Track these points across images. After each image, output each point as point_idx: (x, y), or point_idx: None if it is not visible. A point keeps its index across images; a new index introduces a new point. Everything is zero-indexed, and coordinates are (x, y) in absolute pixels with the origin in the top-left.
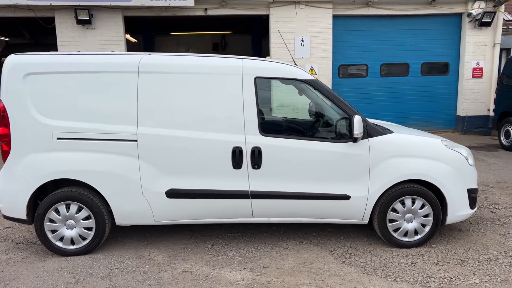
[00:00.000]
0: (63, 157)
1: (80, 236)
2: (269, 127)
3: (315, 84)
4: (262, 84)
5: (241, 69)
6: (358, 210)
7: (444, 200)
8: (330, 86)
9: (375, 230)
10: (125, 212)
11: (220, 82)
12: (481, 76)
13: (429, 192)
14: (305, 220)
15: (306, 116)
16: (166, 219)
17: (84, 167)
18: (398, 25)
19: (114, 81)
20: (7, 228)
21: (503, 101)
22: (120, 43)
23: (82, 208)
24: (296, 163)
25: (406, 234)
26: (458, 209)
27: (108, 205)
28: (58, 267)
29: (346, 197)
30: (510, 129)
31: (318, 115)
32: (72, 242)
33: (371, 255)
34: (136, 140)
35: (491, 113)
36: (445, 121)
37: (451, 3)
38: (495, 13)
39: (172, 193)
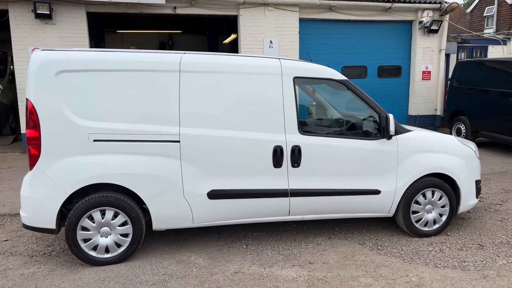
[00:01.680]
0: (101, 160)
1: (116, 243)
2: (306, 125)
3: (348, 84)
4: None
5: (280, 69)
6: (387, 203)
7: (458, 191)
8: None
9: (397, 221)
10: (165, 216)
11: (261, 81)
12: (429, 79)
13: (446, 184)
14: (336, 216)
15: (338, 115)
16: (206, 221)
17: (123, 171)
18: (358, 30)
19: (154, 80)
20: (5, 241)
21: (453, 101)
22: (83, 40)
23: (118, 213)
24: (332, 161)
25: (426, 224)
26: (468, 199)
27: (143, 210)
28: (98, 278)
29: (377, 192)
30: (461, 126)
31: (350, 114)
32: (107, 250)
33: (400, 245)
34: (178, 141)
35: (438, 113)
36: (399, 120)
37: (404, 11)
38: (442, 21)
39: (214, 194)
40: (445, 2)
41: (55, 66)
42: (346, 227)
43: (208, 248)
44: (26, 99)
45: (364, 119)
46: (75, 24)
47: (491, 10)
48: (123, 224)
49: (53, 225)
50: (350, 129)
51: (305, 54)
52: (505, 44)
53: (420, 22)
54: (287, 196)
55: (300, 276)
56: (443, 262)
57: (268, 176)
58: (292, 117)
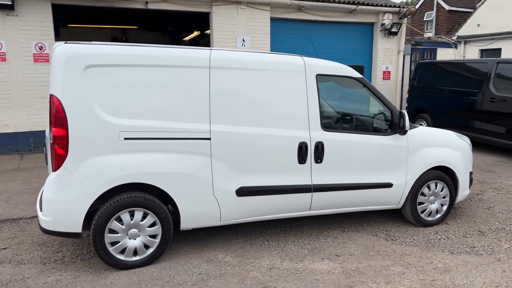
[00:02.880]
0: (132, 159)
1: (144, 245)
2: (327, 122)
3: (364, 82)
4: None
5: (304, 66)
6: (397, 196)
7: (457, 182)
8: None
9: (404, 212)
10: (194, 215)
11: (286, 79)
12: (389, 79)
13: (447, 176)
14: (351, 209)
15: (356, 111)
16: (232, 218)
17: (154, 169)
18: (326, 30)
19: (185, 76)
20: (4, 249)
21: (415, 100)
22: (48, 34)
23: (147, 214)
24: (351, 156)
25: (430, 214)
26: (464, 189)
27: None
28: (132, 282)
29: (389, 185)
30: (423, 123)
31: (365, 110)
32: (135, 253)
33: (410, 235)
34: (209, 138)
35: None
36: None
37: (367, 14)
38: (401, 24)
39: (242, 191)
40: (403, 7)
41: (84, 60)
42: (354, 220)
43: (230, 246)
44: (51, 95)
45: (378, 116)
46: (39, 16)
47: (431, 15)
48: (152, 225)
49: (79, 229)
50: (366, 125)
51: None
52: (456, 47)
53: (382, 24)
54: (310, 192)
55: (334, 269)
56: (456, 248)
57: (293, 172)
58: (316, 114)
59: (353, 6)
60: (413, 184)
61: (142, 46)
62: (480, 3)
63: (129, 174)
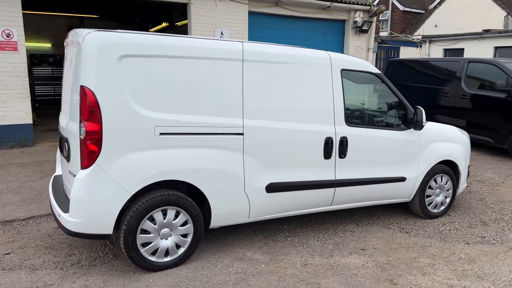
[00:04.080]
0: (167, 155)
1: (176, 245)
2: (350, 117)
3: (382, 78)
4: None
5: (330, 61)
6: (409, 189)
7: (459, 176)
8: None
9: (411, 205)
10: (225, 212)
11: (314, 73)
12: None
13: (451, 170)
14: (367, 204)
15: (375, 106)
16: (260, 215)
17: (188, 166)
18: (301, 26)
19: (219, 69)
20: (7, 254)
21: None
22: (17, 20)
23: (180, 213)
24: (371, 151)
25: (435, 206)
26: (463, 182)
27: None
28: (169, 284)
29: (403, 179)
30: None
31: (383, 106)
32: (167, 253)
33: (421, 227)
34: (242, 134)
35: None
36: None
37: (340, 11)
38: (371, 22)
39: (272, 187)
40: (374, 5)
41: (119, 49)
42: (363, 214)
43: (253, 243)
44: (82, 87)
45: (395, 111)
46: (7, 1)
47: (386, 15)
48: (183, 224)
49: (110, 230)
50: (384, 120)
51: None
52: (420, 46)
53: (355, 22)
54: (333, 187)
55: (366, 262)
56: (468, 239)
57: (319, 168)
58: (340, 109)
59: (328, 3)
60: (423, 178)
61: (178, 37)
62: (432, 5)
63: (164, 171)
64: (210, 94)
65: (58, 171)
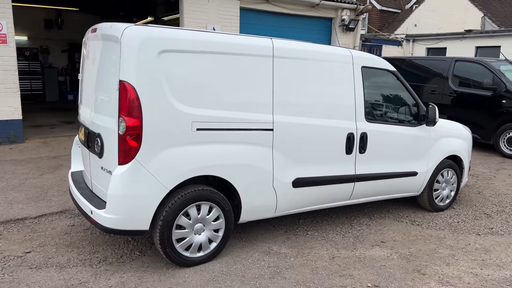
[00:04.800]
0: (203, 150)
1: (209, 240)
2: (369, 113)
3: (397, 75)
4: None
5: (351, 58)
6: (419, 183)
7: (463, 170)
8: None
9: (419, 199)
10: (254, 207)
11: (337, 69)
12: None
13: (455, 164)
14: (380, 198)
15: (390, 103)
16: (286, 210)
17: (222, 161)
18: (291, 23)
19: (251, 65)
20: (28, 253)
21: None
22: (6, 12)
23: (212, 208)
24: (388, 146)
25: (441, 200)
26: (466, 176)
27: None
28: (206, 279)
29: (415, 174)
30: None
31: (398, 102)
32: (199, 248)
33: (431, 220)
34: (272, 129)
35: None
36: None
37: (328, 9)
38: (358, 21)
39: (298, 182)
40: (360, 4)
41: (158, 44)
42: (373, 208)
43: (276, 238)
44: (121, 81)
45: (409, 107)
46: None
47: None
48: (216, 219)
49: (147, 226)
50: (400, 117)
51: None
52: (401, 45)
53: (343, 20)
54: (353, 181)
55: (391, 254)
56: (477, 230)
57: (341, 163)
58: (361, 105)
59: (317, 1)
60: (432, 173)
61: (214, 32)
62: (409, 5)
63: (200, 166)
64: (243, 90)
65: (75, 168)
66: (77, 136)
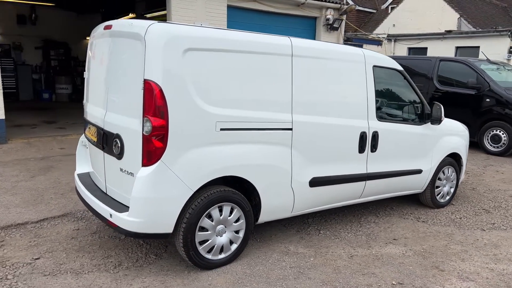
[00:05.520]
0: (226, 151)
1: (230, 241)
2: (379, 112)
3: (404, 74)
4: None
5: (364, 57)
6: (423, 181)
7: (461, 167)
8: None
9: (422, 196)
10: (273, 207)
11: (351, 69)
12: None
13: (455, 162)
14: (387, 195)
15: (398, 102)
16: (302, 209)
17: (245, 161)
18: (277, 22)
19: (271, 64)
20: (37, 259)
21: None
22: None
23: (234, 209)
24: (397, 145)
25: (442, 196)
26: (463, 172)
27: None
28: (230, 281)
29: (420, 171)
30: None
31: (405, 101)
32: (221, 250)
33: (435, 216)
34: (291, 129)
35: None
36: None
37: (313, 8)
38: (342, 20)
39: (314, 182)
40: (344, 4)
41: (184, 42)
42: (377, 206)
43: (290, 238)
44: (147, 80)
45: (415, 106)
46: None
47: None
48: (237, 220)
49: (171, 229)
50: (407, 115)
51: None
52: (380, 44)
53: (327, 19)
54: (365, 180)
55: (406, 252)
56: (481, 226)
57: (354, 161)
58: (372, 104)
59: (303, 0)
60: (435, 170)
61: (236, 31)
62: (384, 5)
63: (224, 167)
64: (264, 89)
65: (81, 169)
66: (82, 136)
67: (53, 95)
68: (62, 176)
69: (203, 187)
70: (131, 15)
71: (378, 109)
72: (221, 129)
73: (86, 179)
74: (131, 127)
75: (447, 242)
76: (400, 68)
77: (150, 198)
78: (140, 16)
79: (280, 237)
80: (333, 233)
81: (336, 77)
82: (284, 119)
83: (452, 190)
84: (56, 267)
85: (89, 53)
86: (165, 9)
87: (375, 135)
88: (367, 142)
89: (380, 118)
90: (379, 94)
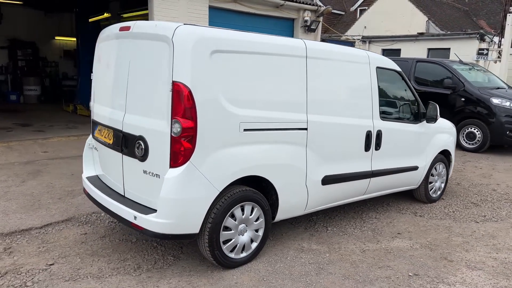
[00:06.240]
0: (249, 151)
1: (250, 240)
2: (382, 111)
3: (402, 75)
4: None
5: (368, 59)
6: (419, 177)
7: (451, 163)
8: None
9: (416, 192)
10: (289, 206)
11: (358, 70)
12: None
13: (445, 158)
14: (387, 192)
15: (397, 101)
16: (314, 207)
17: (266, 161)
18: (256, 22)
19: (289, 65)
20: (51, 265)
21: None
22: None
23: (254, 208)
24: (398, 143)
25: (434, 191)
26: (452, 168)
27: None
28: (255, 279)
29: (416, 168)
30: None
31: (403, 101)
32: (242, 249)
33: (430, 211)
34: (306, 129)
35: None
36: None
37: (291, 9)
38: (319, 22)
39: (326, 180)
40: (321, 6)
41: (211, 44)
42: (373, 202)
43: (300, 235)
44: (175, 82)
45: (412, 106)
46: None
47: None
48: (257, 219)
49: (197, 229)
50: (405, 115)
51: None
52: (353, 46)
53: (305, 21)
54: (369, 177)
55: (412, 245)
56: (474, 218)
57: (360, 159)
58: (376, 104)
59: (281, 1)
60: (429, 166)
61: (255, 33)
62: (353, 7)
63: (247, 167)
64: (282, 90)
65: (89, 172)
66: (89, 139)
67: (21, 96)
68: (54, 180)
69: (227, 187)
70: (106, 14)
71: (381, 108)
72: (245, 130)
73: (97, 182)
74: (156, 128)
75: (448, 235)
76: (398, 69)
77: (179, 199)
78: (116, 16)
79: (291, 235)
80: (340, 230)
81: (345, 78)
82: (300, 119)
83: (442, 185)
84: (74, 272)
85: (98, 55)
86: (144, 9)
87: (379, 134)
88: (372, 141)
89: (383, 117)
90: (381, 94)
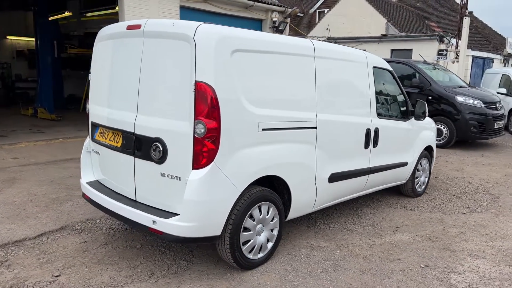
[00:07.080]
0: (267, 151)
1: (267, 240)
2: (378, 110)
3: (393, 74)
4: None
5: (366, 59)
6: (407, 173)
7: (433, 158)
8: None
9: (403, 187)
10: (300, 204)
11: (358, 70)
12: None
13: (428, 154)
14: (380, 188)
15: (389, 100)
16: (320, 205)
17: (281, 160)
18: (226, 23)
19: (301, 65)
20: (58, 276)
21: None
22: None
23: (270, 207)
24: (391, 140)
25: (420, 186)
26: (433, 163)
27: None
28: (276, 279)
29: (406, 164)
30: None
31: (395, 99)
32: (260, 249)
33: (418, 204)
34: (316, 127)
35: None
36: None
37: (259, 10)
38: (287, 23)
39: (333, 177)
40: (288, 8)
41: (232, 44)
42: (363, 198)
43: (305, 233)
44: (198, 82)
45: (402, 104)
46: None
47: None
48: (272, 218)
49: (219, 231)
50: (397, 112)
51: None
52: None
53: (274, 21)
54: (368, 174)
55: (414, 238)
56: (460, 210)
57: (360, 156)
58: (374, 102)
59: (251, 2)
60: (416, 162)
61: (270, 33)
62: (312, 9)
63: (265, 166)
64: (296, 89)
65: (88, 178)
66: (86, 142)
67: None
68: (34, 188)
69: (246, 187)
70: (66, 13)
71: (377, 107)
72: (263, 129)
73: (100, 187)
74: (176, 129)
75: (443, 227)
76: (390, 68)
77: (203, 201)
78: (78, 15)
79: (296, 234)
80: (342, 226)
81: (347, 77)
82: (310, 117)
83: (426, 179)
84: (85, 282)
85: (99, 54)
86: (111, 8)
87: (376, 131)
88: (371, 138)
89: (379, 115)
90: (377, 92)
